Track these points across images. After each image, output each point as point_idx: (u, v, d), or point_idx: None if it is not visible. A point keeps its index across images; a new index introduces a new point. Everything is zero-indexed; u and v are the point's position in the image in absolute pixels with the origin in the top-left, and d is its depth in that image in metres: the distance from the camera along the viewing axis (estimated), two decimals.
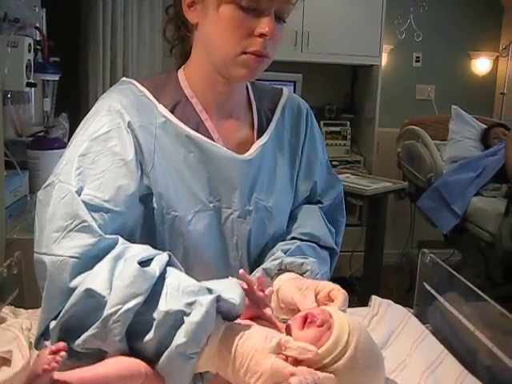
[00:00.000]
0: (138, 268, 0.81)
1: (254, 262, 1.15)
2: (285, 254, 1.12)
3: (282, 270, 1.10)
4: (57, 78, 2.25)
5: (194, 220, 1.06)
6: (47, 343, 0.81)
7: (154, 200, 1.02)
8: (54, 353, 0.69)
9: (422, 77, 4.76)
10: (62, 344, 0.71)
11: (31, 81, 1.99)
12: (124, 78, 1.13)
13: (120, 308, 0.77)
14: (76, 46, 2.86)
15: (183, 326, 0.77)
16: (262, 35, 1.00)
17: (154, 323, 0.78)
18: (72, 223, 0.86)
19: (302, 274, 1.09)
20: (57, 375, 0.70)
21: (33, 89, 2.10)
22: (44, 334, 0.84)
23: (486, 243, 2.96)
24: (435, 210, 3.33)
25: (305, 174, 1.26)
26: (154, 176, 1.02)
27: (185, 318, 0.77)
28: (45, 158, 2.02)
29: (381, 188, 3.28)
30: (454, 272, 1.12)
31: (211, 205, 1.08)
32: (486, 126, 3.77)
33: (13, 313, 1.05)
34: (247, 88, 1.21)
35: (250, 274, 1.10)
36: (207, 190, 1.08)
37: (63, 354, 0.70)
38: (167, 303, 0.79)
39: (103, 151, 0.95)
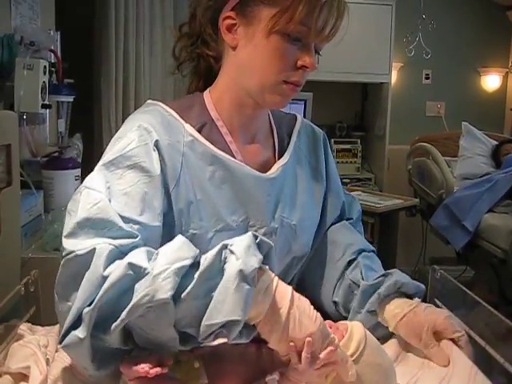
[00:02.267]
0: (183, 239, 0.84)
1: None
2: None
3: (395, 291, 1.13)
4: (71, 99, 2.29)
5: (215, 239, 1.07)
6: (76, 332, 0.79)
7: (174, 217, 1.04)
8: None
9: (431, 94, 4.78)
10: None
11: (46, 102, 2.02)
12: (149, 101, 1.15)
13: (169, 267, 0.76)
14: (89, 67, 2.91)
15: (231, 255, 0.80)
16: (303, 67, 1.04)
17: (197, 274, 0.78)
18: (106, 229, 0.87)
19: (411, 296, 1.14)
20: None
21: (47, 110, 2.14)
22: (73, 327, 0.80)
23: (498, 260, 2.94)
24: (448, 228, 3.32)
25: (334, 195, 1.31)
26: (177, 193, 1.04)
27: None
28: (59, 177, 2.05)
29: (392, 205, 3.29)
30: (464, 288, 1.13)
31: (234, 224, 1.10)
32: (496, 143, 3.77)
33: (30, 329, 1.06)
34: (268, 114, 1.24)
35: None
36: (231, 209, 1.10)
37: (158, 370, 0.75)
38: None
39: (131, 167, 0.97)
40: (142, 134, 1.02)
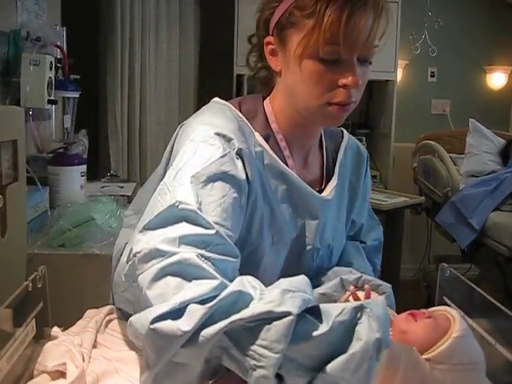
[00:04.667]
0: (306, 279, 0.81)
1: None
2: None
3: (357, 286, 1.11)
4: (77, 95, 2.29)
5: (273, 251, 1.07)
6: (179, 323, 0.72)
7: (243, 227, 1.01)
8: None
9: (437, 92, 4.76)
10: None
11: (52, 98, 2.02)
12: (217, 99, 1.13)
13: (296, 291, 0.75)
14: (95, 63, 2.91)
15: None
16: (345, 86, 0.99)
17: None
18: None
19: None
20: None
21: (53, 106, 2.14)
22: (171, 315, 0.74)
23: (503, 258, 2.94)
24: (453, 225, 3.31)
25: (356, 216, 1.30)
26: (251, 204, 1.02)
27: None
28: (65, 173, 2.05)
29: (397, 203, 3.28)
30: (474, 286, 1.12)
31: (289, 239, 1.10)
32: (504, 141, 3.76)
33: (62, 330, 1.08)
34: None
35: None
36: (290, 224, 1.10)
37: None
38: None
39: (220, 176, 0.93)
40: (223, 142, 0.98)
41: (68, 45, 2.40)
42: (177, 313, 0.74)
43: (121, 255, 1.10)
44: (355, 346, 0.72)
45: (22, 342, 0.98)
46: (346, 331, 0.74)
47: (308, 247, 1.14)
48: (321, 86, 1.00)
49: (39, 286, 1.10)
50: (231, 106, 1.09)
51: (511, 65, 4.84)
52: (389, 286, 1.14)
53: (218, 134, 0.99)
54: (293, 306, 0.72)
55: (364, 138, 4.31)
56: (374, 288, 1.12)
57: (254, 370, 0.72)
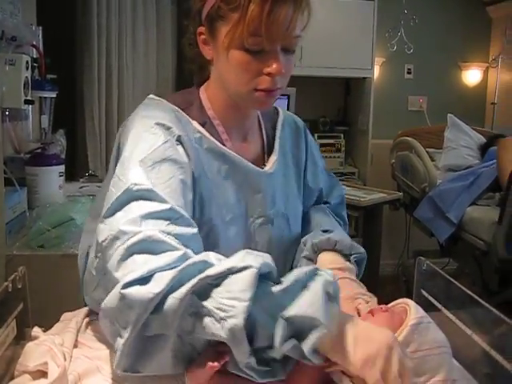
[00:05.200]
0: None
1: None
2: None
3: (328, 249, 1.19)
4: (54, 95, 2.27)
5: (227, 228, 1.15)
6: (149, 286, 0.78)
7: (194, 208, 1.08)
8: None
9: (413, 88, 4.81)
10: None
11: (29, 98, 2.01)
12: (152, 96, 1.19)
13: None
14: (72, 63, 2.88)
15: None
16: (269, 74, 1.07)
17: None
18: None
19: (350, 254, 1.19)
20: None
21: (30, 106, 2.12)
22: (139, 281, 0.79)
23: (480, 252, 2.98)
24: (432, 220, 3.35)
25: (311, 183, 1.37)
26: (197, 186, 1.10)
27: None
28: (43, 174, 2.04)
29: (376, 199, 3.31)
30: (451, 279, 1.14)
31: (240, 215, 1.18)
32: (482, 136, 3.81)
33: (43, 331, 1.08)
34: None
35: None
36: (235, 200, 1.17)
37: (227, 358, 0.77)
38: None
39: (165, 160, 1.01)
40: (163, 130, 1.06)
41: (44, 44, 2.38)
42: (145, 280, 0.79)
43: (86, 256, 1.11)
44: (311, 287, 0.81)
45: (3, 343, 0.98)
46: (302, 287, 0.81)
47: (260, 219, 1.21)
48: (247, 74, 1.08)
49: (19, 287, 1.10)
50: (164, 100, 1.16)
51: (486, 61, 4.90)
52: (360, 248, 1.21)
53: (157, 124, 1.06)
54: (255, 261, 0.80)
55: (342, 135, 4.34)
56: (346, 248, 1.19)
57: (226, 320, 0.76)
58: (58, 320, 1.17)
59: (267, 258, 0.84)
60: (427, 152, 3.86)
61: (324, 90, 4.43)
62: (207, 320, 0.78)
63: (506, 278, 3.01)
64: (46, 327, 1.13)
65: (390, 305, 0.99)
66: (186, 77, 3.79)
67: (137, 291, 0.78)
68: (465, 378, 1.00)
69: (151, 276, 0.80)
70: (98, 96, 2.97)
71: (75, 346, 1.04)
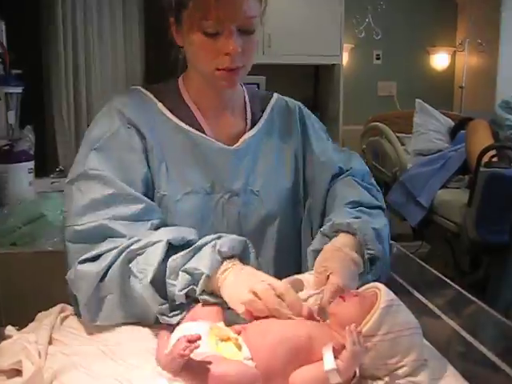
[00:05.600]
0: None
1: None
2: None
3: (337, 231, 1.17)
4: (20, 90, 2.24)
5: (182, 200, 1.22)
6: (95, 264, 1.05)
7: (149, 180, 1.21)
8: (190, 341, 0.78)
9: (383, 74, 4.86)
10: (197, 336, 0.80)
11: None
12: (132, 87, 1.31)
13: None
14: (38, 57, 2.85)
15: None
16: (227, 53, 1.15)
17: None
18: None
19: (353, 234, 1.15)
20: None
21: None
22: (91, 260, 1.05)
23: (452, 234, 3.04)
24: (403, 204, 3.40)
25: (322, 157, 1.38)
26: (152, 160, 1.21)
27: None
28: (12, 171, 2.00)
29: None
30: (421, 262, 1.16)
31: (201, 189, 1.24)
32: (450, 120, 3.87)
33: (16, 330, 1.07)
34: (244, 91, 1.39)
35: None
36: (198, 177, 1.24)
37: (198, 344, 0.79)
38: None
39: (116, 145, 1.16)
40: (114, 115, 1.20)
41: (8, 39, 2.34)
42: (94, 259, 1.05)
43: None
44: (203, 248, 1.04)
45: None
46: (199, 248, 1.04)
47: (227, 195, 1.27)
48: (208, 55, 1.17)
49: None
50: (141, 88, 1.29)
51: (453, 46, 4.97)
52: (361, 220, 1.19)
53: (109, 110, 1.22)
54: (166, 236, 1.04)
55: None
56: (345, 226, 1.16)
57: (141, 280, 1.01)
58: (32, 319, 1.16)
59: (184, 232, 1.08)
60: (397, 137, 3.90)
61: (293, 77, 4.44)
62: (134, 280, 1.02)
63: (477, 259, 3.08)
64: (21, 326, 1.12)
65: (361, 289, 1.01)
66: (154, 67, 3.77)
67: (87, 267, 1.04)
68: (436, 358, 1.02)
69: (99, 256, 1.05)
70: (66, 90, 2.95)
71: (50, 342, 1.04)
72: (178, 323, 0.98)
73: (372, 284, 1.00)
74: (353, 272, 1.08)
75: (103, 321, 1.06)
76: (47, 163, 2.84)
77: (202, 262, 1.00)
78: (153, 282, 1.00)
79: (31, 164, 2.07)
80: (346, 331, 0.85)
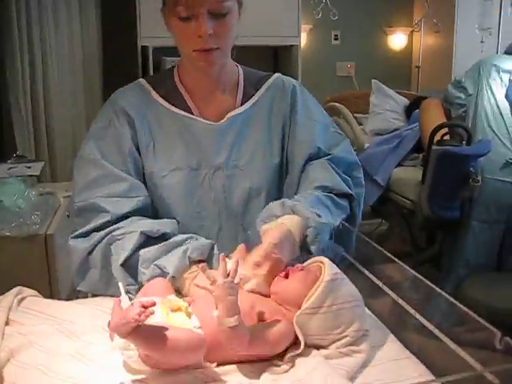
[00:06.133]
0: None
1: (237, 217, 1.39)
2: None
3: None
4: None
5: (168, 176, 1.35)
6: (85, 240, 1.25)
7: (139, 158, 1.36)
8: (145, 307, 0.82)
9: (341, 54, 4.91)
10: (151, 302, 0.85)
11: None
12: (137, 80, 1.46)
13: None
14: None
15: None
16: (199, 36, 1.24)
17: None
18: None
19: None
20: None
21: None
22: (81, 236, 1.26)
23: (408, 211, 3.11)
24: None
25: (300, 137, 1.43)
26: (140, 141, 1.35)
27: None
28: None
29: None
30: (366, 238, 1.22)
31: (187, 166, 1.35)
32: (406, 99, 3.93)
33: None
34: (238, 71, 1.48)
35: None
36: (184, 155, 1.36)
37: (153, 310, 0.83)
38: None
39: (108, 133, 1.34)
40: (109, 106, 1.38)
41: None
42: (85, 235, 1.25)
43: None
44: (175, 250, 1.19)
45: None
46: (173, 247, 1.19)
47: (212, 170, 1.37)
48: (184, 38, 1.29)
49: None
50: (141, 79, 1.45)
51: (410, 26, 5.04)
52: (300, 203, 1.25)
53: (109, 101, 1.39)
54: (142, 228, 1.20)
55: None
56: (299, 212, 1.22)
57: (116, 261, 1.18)
58: None
59: (162, 225, 1.24)
60: (355, 117, 3.96)
61: (252, 59, 4.40)
62: (112, 260, 1.20)
63: (433, 235, 3.17)
64: None
65: (305, 263, 1.05)
66: (111, 52, 3.72)
67: (76, 243, 1.26)
68: (378, 327, 1.08)
69: (89, 233, 1.25)
70: (23, 78, 2.90)
71: (7, 323, 1.06)
72: None
73: (317, 258, 1.05)
74: (291, 243, 1.14)
75: (85, 288, 1.27)
76: (5, 150, 2.82)
77: (171, 262, 1.15)
78: (125, 265, 1.17)
79: None
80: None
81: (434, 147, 2.62)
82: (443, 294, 0.93)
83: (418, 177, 2.96)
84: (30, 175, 2.29)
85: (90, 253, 1.23)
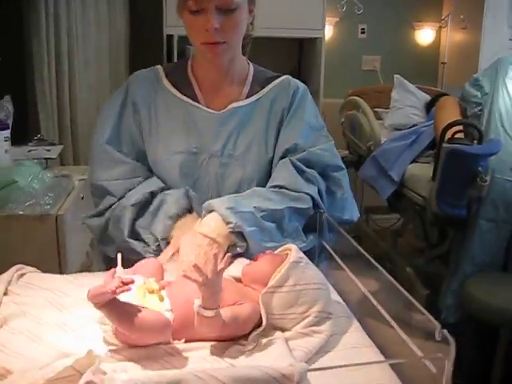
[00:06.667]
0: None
1: None
2: None
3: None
4: None
5: (169, 159, 1.47)
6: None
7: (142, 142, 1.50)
8: (123, 283, 0.89)
9: (367, 48, 4.90)
10: (131, 279, 0.92)
11: None
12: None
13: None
14: (18, 28, 2.90)
15: None
16: (206, 30, 1.33)
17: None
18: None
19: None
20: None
21: None
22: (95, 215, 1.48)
23: (420, 207, 3.12)
24: (375, 178, 3.48)
25: (284, 134, 1.50)
26: (144, 128, 1.49)
27: None
28: None
29: None
30: (346, 235, 1.27)
31: (186, 150, 1.47)
32: (427, 94, 3.93)
33: None
34: (248, 69, 1.56)
35: None
36: (185, 141, 1.47)
37: (129, 287, 0.90)
38: None
39: (118, 118, 1.49)
40: (121, 92, 1.52)
41: None
42: (98, 215, 1.46)
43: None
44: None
45: None
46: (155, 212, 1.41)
47: (208, 156, 1.47)
48: (193, 31, 1.38)
49: None
50: (158, 66, 1.56)
51: (439, 21, 5.00)
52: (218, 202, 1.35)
53: (124, 86, 1.53)
54: (133, 200, 1.40)
55: None
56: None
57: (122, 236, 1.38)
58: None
59: (147, 187, 1.43)
60: (376, 111, 3.98)
61: (278, 50, 4.49)
62: (119, 236, 1.40)
63: (445, 231, 3.18)
64: None
65: (277, 251, 1.13)
66: (137, 40, 3.78)
67: (94, 221, 1.47)
68: (346, 315, 1.14)
69: (101, 213, 1.46)
70: (48, 60, 2.98)
71: (5, 294, 1.16)
72: None
73: (286, 246, 1.13)
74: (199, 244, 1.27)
75: (111, 253, 1.42)
76: (29, 132, 2.92)
77: (157, 228, 1.37)
78: (131, 236, 1.39)
79: (7, 133, 2.17)
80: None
81: (444, 145, 2.64)
82: (400, 288, 0.97)
83: (431, 174, 2.98)
84: (47, 158, 2.39)
85: (105, 229, 1.44)
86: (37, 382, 0.81)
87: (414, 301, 0.90)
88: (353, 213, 1.55)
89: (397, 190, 3.31)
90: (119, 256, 1.08)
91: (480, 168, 2.55)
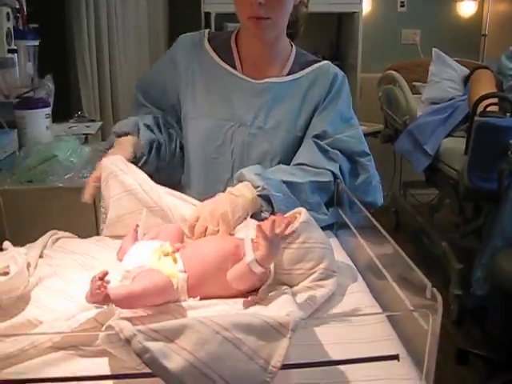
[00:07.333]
0: None
1: None
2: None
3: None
4: (36, 43, 2.43)
5: (196, 119, 1.57)
6: None
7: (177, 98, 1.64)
8: (101, 278, 0.91)
9: (407, 21, 4.85)
10: (103, 272, 0.92)
11: (12, 47, 2.17)
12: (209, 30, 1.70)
13: None
14: (60, 9, 2.99)
15: None
16: (251, 4, 1.40)
17: None
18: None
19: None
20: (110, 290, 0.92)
21: (15, 54, 2.28)
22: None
23: (454, 181, 3.12)
24: (410, 152, 3.49)
25: (316, 119, 1.56)
26: (181, 87, 1.60)
27: None
28: (31, 116, 2.20)
29: None
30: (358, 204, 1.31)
31: (216, 114, 1.55)
32: (466, 68, 3.88)
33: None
34: (291, 50, 1.62)
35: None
36: (216, 104, 1.55)
37: (108, 280, 0.92)
38: None
39: (161, 73, 1.67)
40: (169, 52, 1.68)
41: None
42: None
43: None
44: None
45: None
46: None
47: (237, 125, 1.54)
48: (240, 5, 1.46)
49: None
50: (206, 31, 1.67)
51: None
52: (253, 173, 1.39)
53: (173, 46, 1.67)
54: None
55: None
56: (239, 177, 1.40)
57: None
58: None
59: (126, 126, 1.56)
60: (414, 85, 3.96)
61: (316, 25, 4.45)
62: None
63: (479, 206, 3.17)
64: None
65: (287, 214, 1.18)
66: (176, 18, 3.84)
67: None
68: (353, 277, 1.20)
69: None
70: (88, 39, 3.07)
71: (41, 256, 1.26)
72: None
73: (296, 209, 1.19)
74: (225, 200, 1.31)
75: None
76: (71, 109, 3.04)
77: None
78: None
79: (48, 110, 2.27)
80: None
81: (475, 118, 2.64)
82: (398, 249, 1.01)
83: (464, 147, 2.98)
84: (86, 133, 2.50)
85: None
86: (62, 331, 0.90)
87: (410, 262, 0.95)
88: (376, 197, 1.60)
89: (432, 165, 3.32)
90: (140, 224, 1.17)
91: (511, 141, 2.54)
